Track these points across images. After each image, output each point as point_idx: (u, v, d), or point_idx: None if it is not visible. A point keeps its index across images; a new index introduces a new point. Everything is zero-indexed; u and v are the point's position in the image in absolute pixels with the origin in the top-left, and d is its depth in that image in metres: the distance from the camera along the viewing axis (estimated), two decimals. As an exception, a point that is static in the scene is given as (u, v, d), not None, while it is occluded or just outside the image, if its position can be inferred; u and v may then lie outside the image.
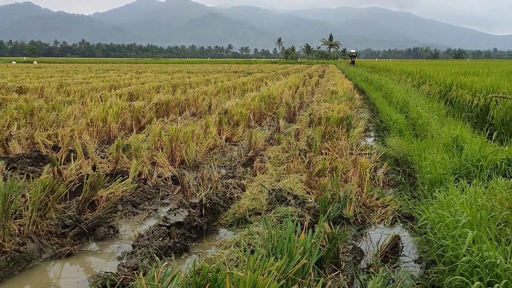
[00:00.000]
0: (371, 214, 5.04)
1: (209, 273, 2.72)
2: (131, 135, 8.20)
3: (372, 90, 18.66)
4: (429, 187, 4.82)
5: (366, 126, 10.73)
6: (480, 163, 4.85)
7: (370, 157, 7.21)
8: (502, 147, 5.44)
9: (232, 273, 2.43)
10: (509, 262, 2.44)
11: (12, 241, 3.83)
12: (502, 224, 3.02)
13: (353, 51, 65.27)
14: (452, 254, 2.81)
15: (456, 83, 11.46)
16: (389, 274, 3.51)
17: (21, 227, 4.09)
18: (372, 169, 6.45)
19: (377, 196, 5.41)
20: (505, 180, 3.99)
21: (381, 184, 5.99)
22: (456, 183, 4.38)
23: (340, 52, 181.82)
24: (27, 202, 4.33)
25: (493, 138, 6.17)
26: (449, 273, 2.79)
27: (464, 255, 2.62)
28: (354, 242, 4.32)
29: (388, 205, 5.17)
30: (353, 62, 57.24)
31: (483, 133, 6.22)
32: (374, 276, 3.36)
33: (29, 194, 4.42)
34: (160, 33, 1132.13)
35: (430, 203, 3.86)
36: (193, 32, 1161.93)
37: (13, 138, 7.77)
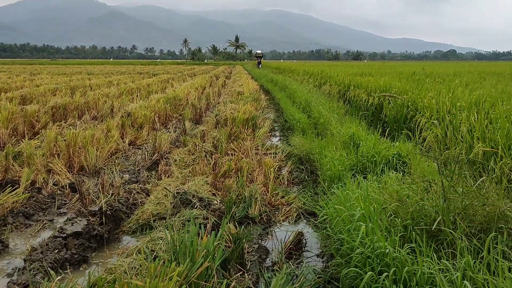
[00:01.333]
0: (276, 212, 5.14)
1: (107, 284, 2.58)
2: (23, 141, 7.61)
3: (277, 90, 19.12)
4: (329, 183, 5.02)
5: (272, 126, 10.95)
6: (374, 159, 5.15)
7: (275, 157, 7.36)
8: (394, 142, 5.82)
9: (131, 283, 2.32)
10: (397, 251, 2.60)
11: None
12: (393, 216, 3.21)
13: (259, 51, 65.72)
14: (347, 247, 2.94)
15: (354, 83, 12.10)
16: (293, 270, 3.59)
17: None
18: (277, 168, 6.59)
19: (282, 195, 5.53)
20: (396, 173, 4.27)
21: (286, 183, 6.14)
22: (353, 178, 4.60)
23: (246, 53, 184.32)
24: None
25: (386, 135, 6.58)
26: (345, 265, 2.91)
27: (358, 247, 2.75)
28: (259, 241, 4.37)
29: (293, 202, 5.30)
30: (259, 63, 57.71)
31: (378, 130, 6.61)
32: (278, 273, 3.42)
33: None
34: (57, 32, 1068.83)
35: (329, 199, 4.01)
36: (94, 31, 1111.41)
37: None
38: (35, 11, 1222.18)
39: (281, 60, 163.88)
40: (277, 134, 10.31)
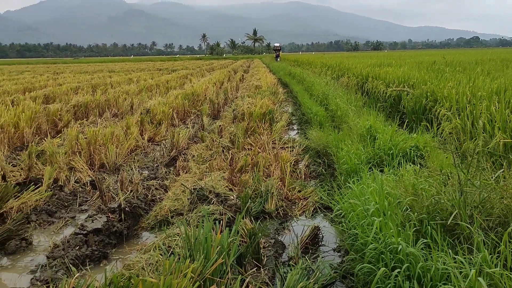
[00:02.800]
0: (293, 206, 5.14)
1: (125, 281, 2.63)
2: (46, 140, 7.78)
3: (295, 83, 19.04)
4: (346, 177, 4.99)
5: (289, 119, 10.93)
6: (391, 151, 5.10)
7: (293, 151, 7.35)
8: (412, 134, 5.75)
9: (146, 280, 2.36)
10: (411, 246, 2.58)
11: None
12: (409, 210, 3.18)
13: (277, 44, 64.98)
14: (361, 242, 2.93)
15: (372, 74, 11.97)
16: (309, 265, 3.60)
17: None
18: (294, 162, 6.59)
19: (298, 189, 5.52)
20: (413, 166, 4.22)
21: (303, 177, 6.13)
22: (370, 172, 4.56)
23: (264, 46, 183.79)
24: None
25: (404, 126, 6.50)
26: (360, 261, 2.90)
27: (371, 243, 2.74)
28: (276, 236, 4.38)
29: (309, 196, 5.30)
30: (277, 56, 56.95)
31: (396, 122, 6.54)
32: (294, 268, 3.43)
33: None
34: (79, 31, 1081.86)
35: (344, 193, 3.99)
36: (114, 29, 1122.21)
37: None
38: (57, 10, 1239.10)
39: (300, 53, 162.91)
40: (294, 128, 10.29)
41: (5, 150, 7.39)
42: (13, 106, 10.76)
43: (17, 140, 8.47)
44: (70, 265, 3.67)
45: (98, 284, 2.90)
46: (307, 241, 4.08)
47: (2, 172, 5.95)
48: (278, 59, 53.07)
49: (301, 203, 5.16)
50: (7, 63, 77.26)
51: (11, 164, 6.66)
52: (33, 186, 5.38)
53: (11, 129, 8.42)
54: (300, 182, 5.79)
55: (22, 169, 6.29)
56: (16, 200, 4.93)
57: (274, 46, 65.82)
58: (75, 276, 2.88)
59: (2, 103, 11.65)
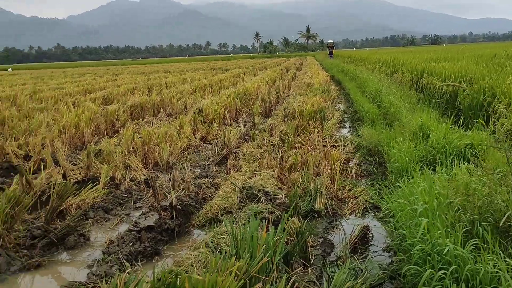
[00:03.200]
0: (342, 205, 5.09)
1: (173, 277, 2.72)
2: (103, 139, 8.13)
3: (347, 80, 18.77)
4: (397, 176, 4.88)
5: (341, 117, 10.81)
6: (445, 150, 4.93)
7: (344, 149, 7.27)
8: (467, 131, 5.53)
9: (192, 277, 2.43)
10: (459, 247, 2.49)
11: (-22, 256, 3.78)
12: (460, 211, 3.07)
13: (331, 41, 63.77)
14: (408, 242, 2.87)
15: (427, 70, 11.57)
16: (357, 265, 3.56)
17: (-13, 242, 4.04)
18: (345, 161, 6.51)
19: (349, 188, 5.46)
20: (467, 165, 4.06)
21: (354, 175, 6.05)
22: (421, 170, 4.44)
23: (318, 43, 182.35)
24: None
25: (460, 123, 6.26)
26: (407, 261, 2.84)
27: (418, 244, 2.67)
28: (324, 235, 4.36)
29: (360, 195, 5.23)
30: (331, 53, 55.98)
31: (452, 119, 6.30)
32: (341, 268, 3.40)
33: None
34: (137, 33, 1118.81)
35: (394, 193, 3.91)
36: (170, 30, 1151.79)
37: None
38: (116, 14, 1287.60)
39: (354, 49, 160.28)
40: (346, 126, 10.16)
41: (66, 150, 7.78)
42: (74, 108, 11.33)
43: (77, 139, 8.90)
44: (124, 260, 3.83)
45: (148, 279, 3.01)
46: (356, 240, 4.03)
47: (62, 171, 6.29)
48: (332, 57, 52.06)
49: (351, 202, 5.10)
50: (70, 66, 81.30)
51: (71, 163, 7.01)
52: (91, 184, 5.65)
53: (72, 130, 8.87)
54: (350, 181, 5.72)
55: (81, 167, 6.61)
56: (75, 197, 5.20)
57: (328, 43, 64.71)
58: (126, 272, 3.01)
59: (65, 105, 12.29)
